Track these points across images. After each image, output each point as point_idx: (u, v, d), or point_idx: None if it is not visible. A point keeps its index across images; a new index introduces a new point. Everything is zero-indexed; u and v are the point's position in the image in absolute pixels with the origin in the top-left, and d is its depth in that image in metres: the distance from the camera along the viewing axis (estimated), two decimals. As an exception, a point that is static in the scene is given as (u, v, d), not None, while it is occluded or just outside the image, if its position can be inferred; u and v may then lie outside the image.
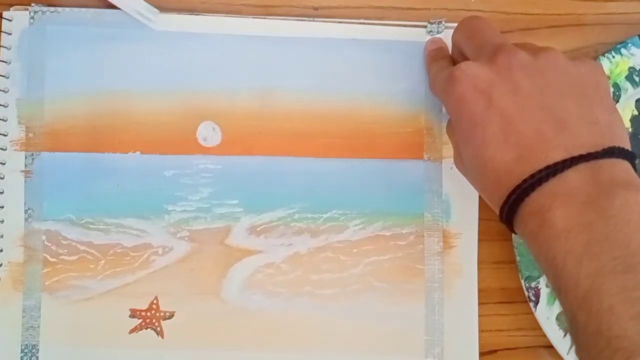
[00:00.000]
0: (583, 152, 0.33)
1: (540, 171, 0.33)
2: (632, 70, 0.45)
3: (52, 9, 0.44)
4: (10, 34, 0.44)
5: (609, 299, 0.30)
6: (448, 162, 0.45)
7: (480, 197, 0.45)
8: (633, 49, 0.45)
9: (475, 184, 0.39)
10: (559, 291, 0.32)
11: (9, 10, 0.44)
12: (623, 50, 0.45)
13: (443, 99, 0.39)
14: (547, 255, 0.32)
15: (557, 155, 0.33)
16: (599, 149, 0.33)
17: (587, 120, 0.35)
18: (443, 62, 0.42)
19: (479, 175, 0.37)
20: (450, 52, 0.43)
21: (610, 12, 0.46)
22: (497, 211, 0.36)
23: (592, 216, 0.32)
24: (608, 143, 0.34)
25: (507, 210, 0.35)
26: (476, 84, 0.36)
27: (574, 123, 0.34)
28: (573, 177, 0.33)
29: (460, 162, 0.40)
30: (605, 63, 0.45)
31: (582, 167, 0.33)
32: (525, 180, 0.33)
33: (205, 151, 0.45)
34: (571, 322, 0.32)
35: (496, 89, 0.36)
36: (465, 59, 0.40)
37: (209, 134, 0.45)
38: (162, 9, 0.44)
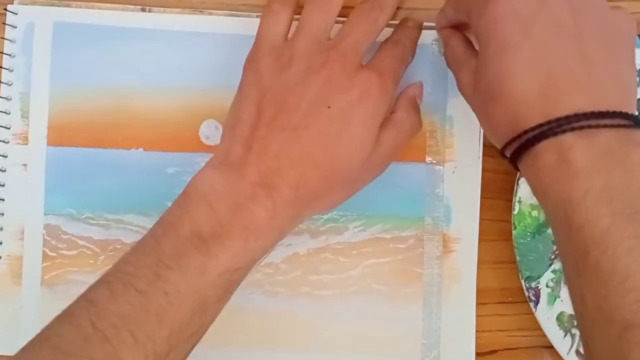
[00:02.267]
0: (609, 107, 0.33)
1: (568, 117, 0.32)
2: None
3: (57, 3, 0.44)
4: (15, 27, 0.44)
5: (629, 240, 0.30)
6: (450, 166, 0.45)
7: (480, 198, 0.45)
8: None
9: (482, 111, 0.37)
10: (570, 227, 0.32)
11: (13, 3, 0.44)
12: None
13: (474, 15, 0.36)
14: (563, 190, 0.32)
15: (584, 103, 0.33)
16: (623, 110, 0.33)
17: (616, 74, 0.34)
18: None
19: (493, 101, 0.35)
20: None
21: None
22: (499, 141, 0.36)
23: (611, 164, 0.32)
24: (630, 106, 0.34)
25: (519, 145, 0.34)
26: (517, 9, 0.34)
27: (604, 74, 0.34)
28: (597, 129, 0.33)
29: (468, 85, 0.38)
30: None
31: (607, 123, 0.32)
32: (549, 122, 0.33)
33: (208, 149, 0.45)
34: (579, 259, 0.32)
35: (537, 18, 0.34)
36: None
37: (211, 132, 0.45)
38: (164, 8, 0.45)
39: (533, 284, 0.44)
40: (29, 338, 0.43)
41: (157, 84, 0.45)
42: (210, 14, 0.45)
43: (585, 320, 0.32)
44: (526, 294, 0.44)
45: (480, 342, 0.45)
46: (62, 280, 0.44)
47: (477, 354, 0.44)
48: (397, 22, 0.44)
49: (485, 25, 0.35)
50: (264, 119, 0.37)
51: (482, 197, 0.44)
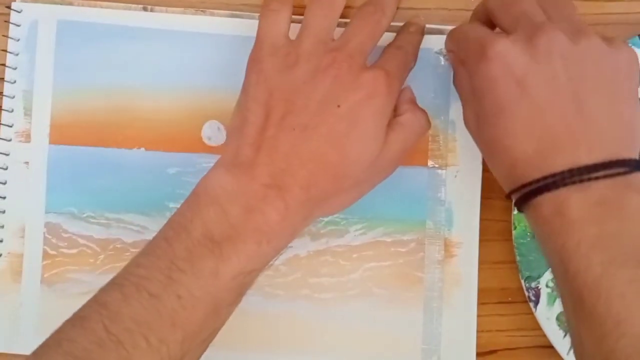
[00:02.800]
0: (605, 157, 0.33)
1: (562, 172, 0.33)
2: (632, 69, 0.45)
3: (60, 1, 0.45)
4: (19, 25, 0.44)
5: (621, 287, 0.31)
6: (452, 170, 0.45)
7: (480, 201, 0.45)
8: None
9: (485, 157, 0.39)
10: (566, 274, 0.33)
11: (16, 1, 0.45)
12: (623, 50, 0.45)
13: (469, 70, 0.37)
14: (558, 239, 0.33)
15: (582, 156, 0.33)
16: (619, 157, 0.33)
17: (615, 118, 0.34)
18: (477, 23, 0.40)
19: (493, 155, 0.36)
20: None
21: (610, 12, 0.46)
22: (503, 187, 0.37)
23: (604, 214, 0.33)
24: (630, 151, 0.34)
25: (520, 196, 0.35)
26: (511, 70, 0.34)
27: (602, 122, 0.34)
28: (593, 182, 0.33)
29: (472, 124, 0.38)
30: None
31: (601, 174, 0.33)
32: (545, 177, 0.34)
33: (210, 150, 0.45)
34: (576, 304, 0.33)
35: (531, 77, 0.34)
36: (491, 23, 0.39)
37: (213, 133, 0.45)
38: (165, 8, 0.45)
39: (533, 284, 0.44)
40: (28, 336, 0.44)
41: (160, 84, 0.45)
42: (211, 14, 0.45)
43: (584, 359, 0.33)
44: (526, 294, 0.44)
45: (480, 342, 0.44)
46: (62, 279, 0.44)
47: (477, 354, 0.44)
48: (398, 23, 0.44)
49: (480, 83, 0.36)
50: (273, 119, 0.37)
51: (482, 198, 0.44)
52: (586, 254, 0.32)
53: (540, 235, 0.35)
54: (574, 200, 0.33)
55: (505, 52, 0.35)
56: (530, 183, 0.34)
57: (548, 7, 0.37)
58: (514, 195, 0.36)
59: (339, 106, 0.37)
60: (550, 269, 0.44)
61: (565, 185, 0.33)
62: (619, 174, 0.33)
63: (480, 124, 0.37)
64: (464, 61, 0.38)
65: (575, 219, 0.33)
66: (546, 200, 0.34)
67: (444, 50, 0.44)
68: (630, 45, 0.44)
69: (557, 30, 0.35)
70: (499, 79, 0.35)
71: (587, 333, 0.32)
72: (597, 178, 0.33)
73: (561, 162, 0.33)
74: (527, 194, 0.34)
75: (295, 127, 0.37)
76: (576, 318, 0.33)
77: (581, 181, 0.33)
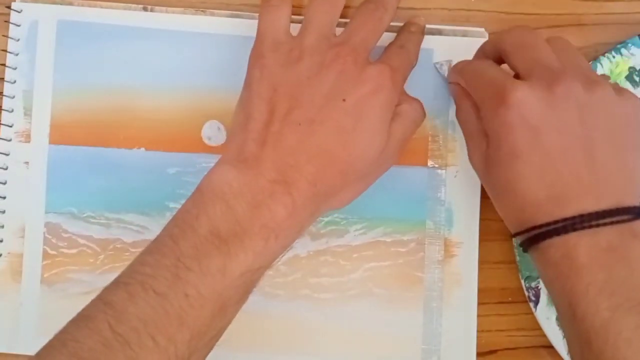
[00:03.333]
0: (611, 205, 0.34)
1: (573, 218, 0.34)
2: (632, 70, 0.45)
3: (60, 1, 0.45)
4: (19, 25, 0.44)
5: (628, 332, 0.32)
6: (452, 170, 0.45)
7: (480, 201, 0.45)
8: (633, 49, 0.45)
9: (492, 197, 0.39)
10: (574, 316, 0.34)
11: (16, 1, 0.45)
12: (623, 50, 0.45)
13: (485, 111, 0.38)
14: (567, 282, 0.34)
15: (589, 203, 0.34)
16: (624, 205, 0.35)
17: (621, 167, 0.36)
18: (490, 62, 0.40)
19: (503, 196, 0.38)
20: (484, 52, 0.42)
21: (610, 12, 0.46)
22: (509, 227, 0.38)
23: (612, 260, 0.34)
24: (632, 198, 0.35)
25: (528, 237, 0.36)
26: (528, 117, 0.35)
27: (610, 172, 0.35)
28: (600, 227, 0.35)
29: (477, 165, 0.39)
30: (605, 63, 0.44)
31: (607, 221, 0.34)
32: (556, 221, 0.35)
33: (210, 150, 0.45)
34: (584, 347, 0.34)
35: (546, 125, 0.35)
36: (500, 60, 0.39)
37: (213, 133, 0.45)
38: (165, 8, 0.45)
39: (533, 284, 0.44)
40: (28, 336, 0.44)
41: (160, 84, 0.45)
42: (211, 14, 0.45)
43: None
44: (526, 294, 0.44)
45: (480, 342, 0.44)
46: (61, 279, 0.44)
47: (477, 354, 0.44)
48: (398, 24, 0.44)
49: (497, 128, 0.36)
50: (278, 114, 0.37)
51: (482, 197, 0.44)
52: (594, 298, 0.33)
53: (548, 277, 0.36)
54: (583, 246, 0.34)
55: (525, 98, 0.35)
56: (541, 226, 0.35)
57: (562, 56, 0.37)
58: (520, 237, 0.37)
59: (344, 100, 0.37)
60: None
61: (574, 230, 0.34)
62: (623, 221, 0.34)
63: (490, 165, 0.38)
64: (479, 102, 0.39)
65: (584, 264, 0.34)
66: (555, 244, 0.35)
67: (443, 68, 0.45)
68: (630, 45, 0.45)
69: (575, 79, 0.36)
70: (517, 126, 0.36)
71: None
72: (604, 224, 0.34)
73: (572, 208, 0.34)
74: (536, 237, 0.35)
75: (301, 122, 0.37)
76: (581, 358, 0.34)
77: (590, 227, 0.34)
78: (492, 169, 0.38)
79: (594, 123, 0.35)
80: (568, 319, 0.35)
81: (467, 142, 0.41)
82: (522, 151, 0.35)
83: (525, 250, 0.38)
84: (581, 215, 0.34)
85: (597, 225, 0.34)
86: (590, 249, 0.34)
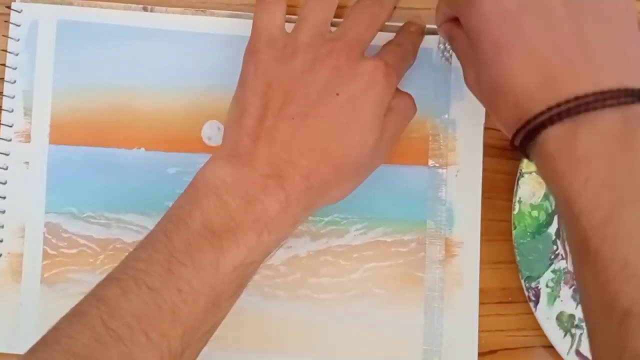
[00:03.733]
0: (612, 86, 0.31)
1: (568, 101, 0.31)
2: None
3: (60, 1, 0.45)
4: (19, 25, 0.44)
5: (629, 227, 0.29)
6: (453, 170, 0.44)
7: (481, 201, 0.44)
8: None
9: (489, 105, 0.37)
10: (571, 215, 0.31)
11: (16, 1, 0.45)
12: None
13: (462, 13, 0.36)
14: (564, 179, 0.31)
15: (585, 86, 0.31)
16: (627, 86, 0.31)
17: (618, 50, 0.33)
18: None
19: (496, 97, 0.34)
20: None
21: None
22: (509, 134, 0.35)
23: (615, 147, 0.31)
24: (635, 82, 0.32)
25: (525, 134, 0.33)
26: (503, 4, 0.33)
27: (605, 53, 0.32)
28: (600, 111, 0.31)
29: (473, 81, 0.37)
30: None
31: (609, 103, 0.31)
32: (550, 108, 0.32)
33: (210, 150, 0.45)
34: (580, 246, 0.31)
35: (525, 10, 0.33)
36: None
37: (213, 133, 0.45)
38: (165, 8, 0.45)
39: (533, 284, 0.44)
40: (28, 336, 0.44)
41: (160, 84, 0.45)
42: (211, 14, 0.45)
43: (589, 312, 0.32)
44: (526, 293, 0.44)
45: (481, 342, 0.44)
46: (61, 279, 0.44)
47: (477, 354, 0.44)
48: (398, 23, 0.44)
49: (474, 25, 0.34)
50: (272, 109, 0.37)
51: (482, 197, 0.44)
52: (594, 193, 0.30)
53: (545, 175, 0.33)
54: (582, 134, 0.31)
55: None
56: (535, 117, 0.32)
57: None
58: (518, 137, 0.34)
59: (338, 95, 0.37)
60: (548, 270, 0.44)
61: (570, 116, 0.31)
62: (627, 103, 0.31)
63: (479, 72, 0.35)
64: (458, 12, 0.37)
65: (583, 155, 0.31)
66: (552, 135, 0.32)
67: (442, 40, 0.44)
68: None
69: None
70: (493, 16, 0.33)
71: (591, 278, 0.30)
72: (604, 107, 0.31)
73: (565, 92, 0.31)
74: (532, 131, 0.33)
75: (295, 116, 0.37)
76: (580, 262, 0.32)
77: (587, 110, 0.31)
78: (481, 75, 0.35)
79: (581, 9, 0.33)
80: (566, 219, 0.32)
81: (463, 69, 0.39)
82: (504, 43, 0.33)
83: (526, 156, 0.35)
84: (576, 97, 0.31)
85: (598, 108, 0.31)
86: (590, 136, 0.31)
